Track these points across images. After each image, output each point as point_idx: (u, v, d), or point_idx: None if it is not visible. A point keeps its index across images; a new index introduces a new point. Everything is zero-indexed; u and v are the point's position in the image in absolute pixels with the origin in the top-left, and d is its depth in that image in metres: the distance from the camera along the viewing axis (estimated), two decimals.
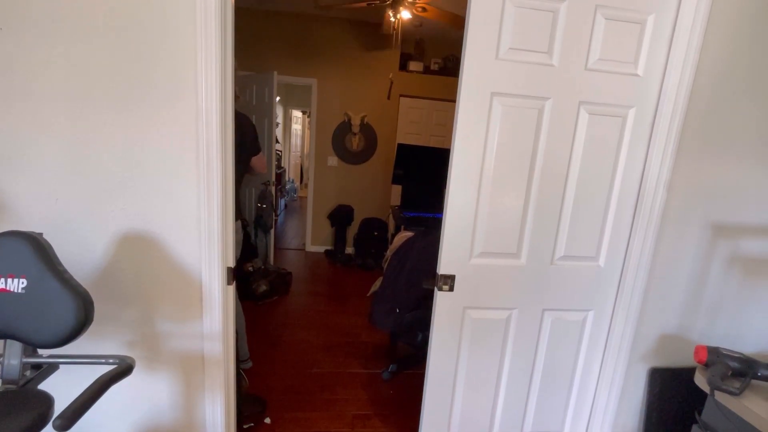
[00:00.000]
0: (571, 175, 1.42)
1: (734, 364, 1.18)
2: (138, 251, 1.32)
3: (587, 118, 1.38)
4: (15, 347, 1.07)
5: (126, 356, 1.12)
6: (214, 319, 1.38)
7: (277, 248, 4.95)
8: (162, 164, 1.27)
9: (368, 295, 3.71)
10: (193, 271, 1.35)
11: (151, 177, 1.27)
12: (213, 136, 1.26)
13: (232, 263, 1.42)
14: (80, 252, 1.29)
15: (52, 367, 1.15)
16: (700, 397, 1.54)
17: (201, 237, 1.32)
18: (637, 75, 1.36)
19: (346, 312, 3.36)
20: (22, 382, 1.07)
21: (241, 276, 3.39)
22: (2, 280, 1.01)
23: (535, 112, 1.36)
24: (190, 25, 1.20)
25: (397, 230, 3.68)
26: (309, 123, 5.30)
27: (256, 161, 2.21)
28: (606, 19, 1.30)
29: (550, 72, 1.33)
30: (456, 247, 1.43)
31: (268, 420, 1.99)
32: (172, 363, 1.42)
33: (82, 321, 1.04)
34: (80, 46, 1.17)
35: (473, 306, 1.50)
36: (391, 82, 4.55)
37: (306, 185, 8.45)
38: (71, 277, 1.06)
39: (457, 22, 2.97)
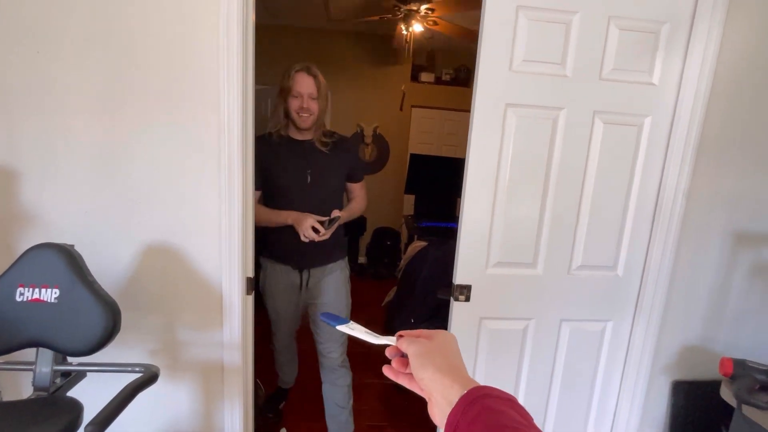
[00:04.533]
0: (587, 184, 1.42)
1: (762, 377, 1.15)
2: (162, 261, 1.36)
3: (602, 128, 1.38)
4: (47, 355, 1.11)
5: (151, 365, 1.15)
6: (233, 328, 1.41)
7: None
8: (186, 177, 1.31)
9: (382, 305, 3.71)
10: (214, 281, 1.38)
11: (175, 189, 1.32)
12: (234, 150, 1.30)
13: (251, 273, 1.45)
14: (107, 262, 1.33)
15: (80, 375, 1.19)
16: (727, 411, 1.50)
17: (221, 248, 1.36)
18: (652, 84, 1.36)
19: (359, 321, 3.35)
20: (52, 390, 1.11)
21: (257, 285, 3.42)
22: (37, 290, 1.05)
23: (549, 122, 1.37)
24: (213, 42, 1.24)
25: (411, 240, 3.68)
26: None
27: (355, 188, 1.88)
28: (620, 29, 1.31)
29: (563, 82, 1.34)
30: (472, 256, 1.43)
31: (284, 430, 2.00)
32: (192, 371, 1.44)
33: (111, 330, 1.07)
34: (111, 64, 1.23)
35: (490, 316, 1.49)
36: (404, 94, 4.60)
37: None
38: (100, 288, 1.10)
39: (468, 36, 3.01)
